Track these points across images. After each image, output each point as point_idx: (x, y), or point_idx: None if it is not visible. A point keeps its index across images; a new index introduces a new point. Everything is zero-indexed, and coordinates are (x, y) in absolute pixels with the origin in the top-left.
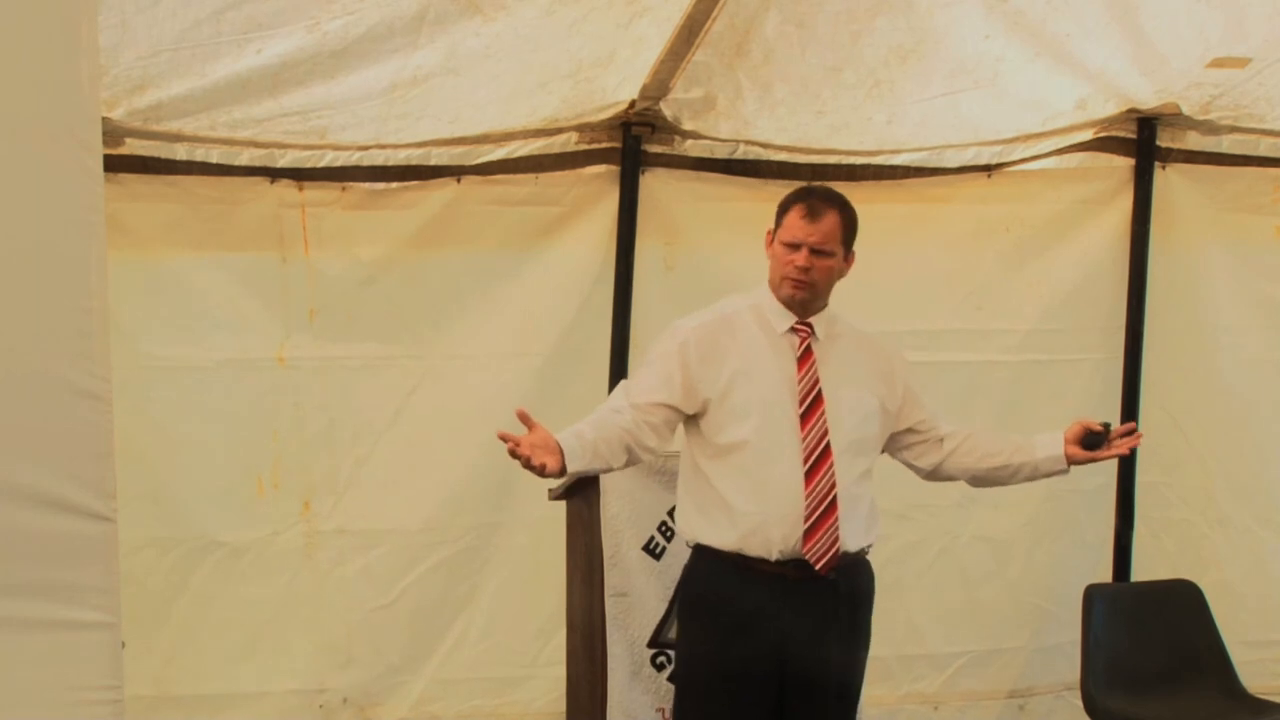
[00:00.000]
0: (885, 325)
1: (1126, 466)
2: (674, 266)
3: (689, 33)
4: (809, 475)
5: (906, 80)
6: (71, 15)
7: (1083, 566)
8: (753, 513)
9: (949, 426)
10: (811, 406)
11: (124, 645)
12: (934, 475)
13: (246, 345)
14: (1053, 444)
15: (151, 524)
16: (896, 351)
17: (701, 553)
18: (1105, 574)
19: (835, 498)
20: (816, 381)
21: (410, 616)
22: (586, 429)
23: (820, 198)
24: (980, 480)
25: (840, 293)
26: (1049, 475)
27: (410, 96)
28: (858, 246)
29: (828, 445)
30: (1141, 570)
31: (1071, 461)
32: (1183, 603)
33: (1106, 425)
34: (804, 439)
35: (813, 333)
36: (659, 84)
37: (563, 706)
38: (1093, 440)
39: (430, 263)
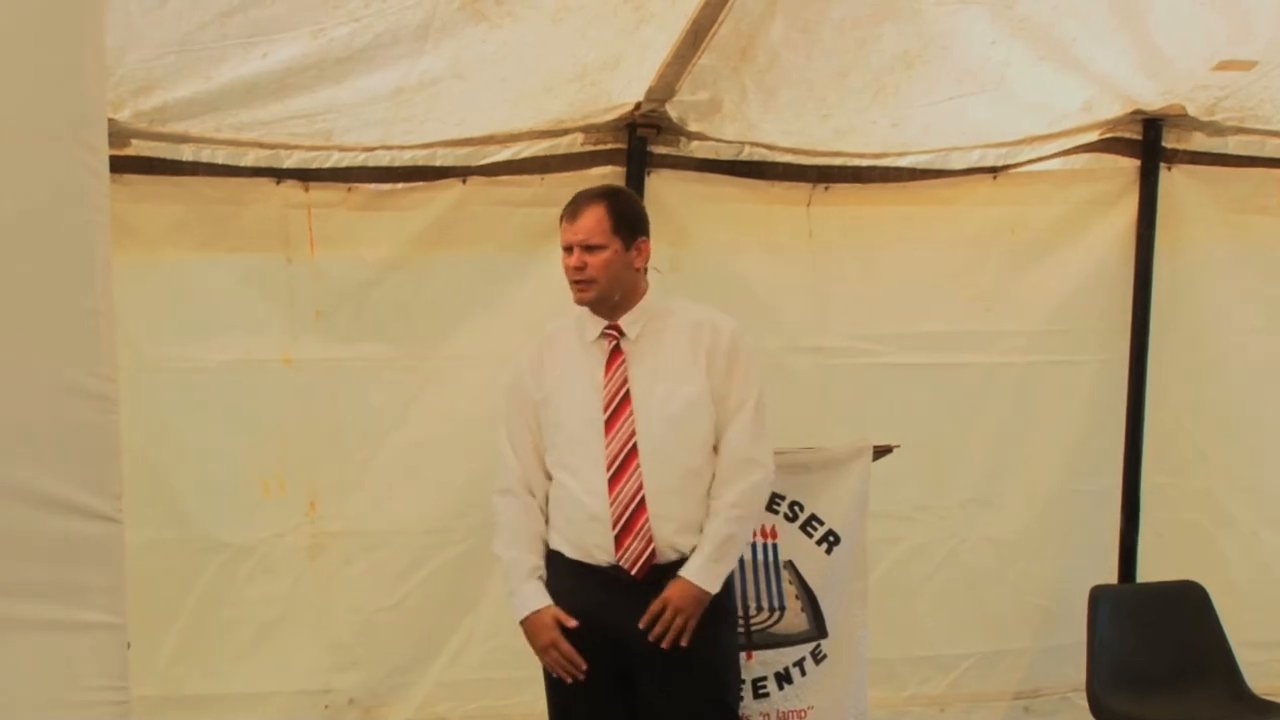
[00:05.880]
0: (892, 327)
1: (1132, 468)
2: (680, 267)
3: (694, 37)
4: (612, 481)
5: (912, 85)
6: (77, 16)
7: (1088, 568)
8: (572, 521)
9: (729, 495)
10: (617, 410)
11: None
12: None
13: (252, 346)
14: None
15: (157, 525)
16: (729, 336)
17: (550, 556)
18: (1110, 575)
19: (643, 500)
20: (624, 383)
21: (416, 617)
22: (530, 557)
23: (585, 196)
24: None
25: (846, 294)
26: None
27: (416, 101)
28: (861, 247)
29: (634, 447)
30: (1146, 571)
31: None
32: (1188, 604)
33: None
34: (608, 444)
35: (622, 334)
36: (665, 87)
37: None
38: None
39: (436, 263)
